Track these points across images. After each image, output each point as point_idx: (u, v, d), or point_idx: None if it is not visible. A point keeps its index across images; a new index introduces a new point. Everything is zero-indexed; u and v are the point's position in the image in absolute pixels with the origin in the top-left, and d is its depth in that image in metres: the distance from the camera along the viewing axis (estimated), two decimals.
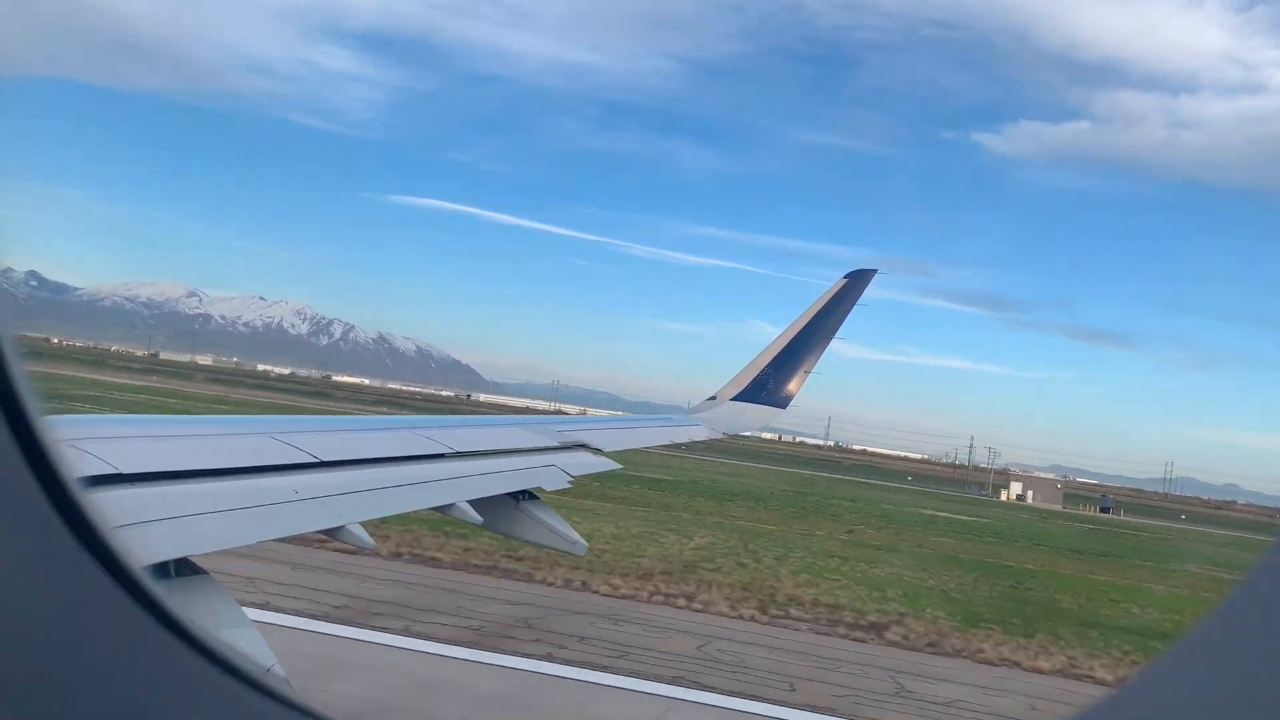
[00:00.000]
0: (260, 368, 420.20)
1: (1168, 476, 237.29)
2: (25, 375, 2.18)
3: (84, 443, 5.09)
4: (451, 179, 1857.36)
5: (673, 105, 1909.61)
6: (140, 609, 2.25)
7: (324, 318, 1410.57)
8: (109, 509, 4.68)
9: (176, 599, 4.61)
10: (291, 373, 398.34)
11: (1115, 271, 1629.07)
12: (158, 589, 2.30)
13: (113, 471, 4.96)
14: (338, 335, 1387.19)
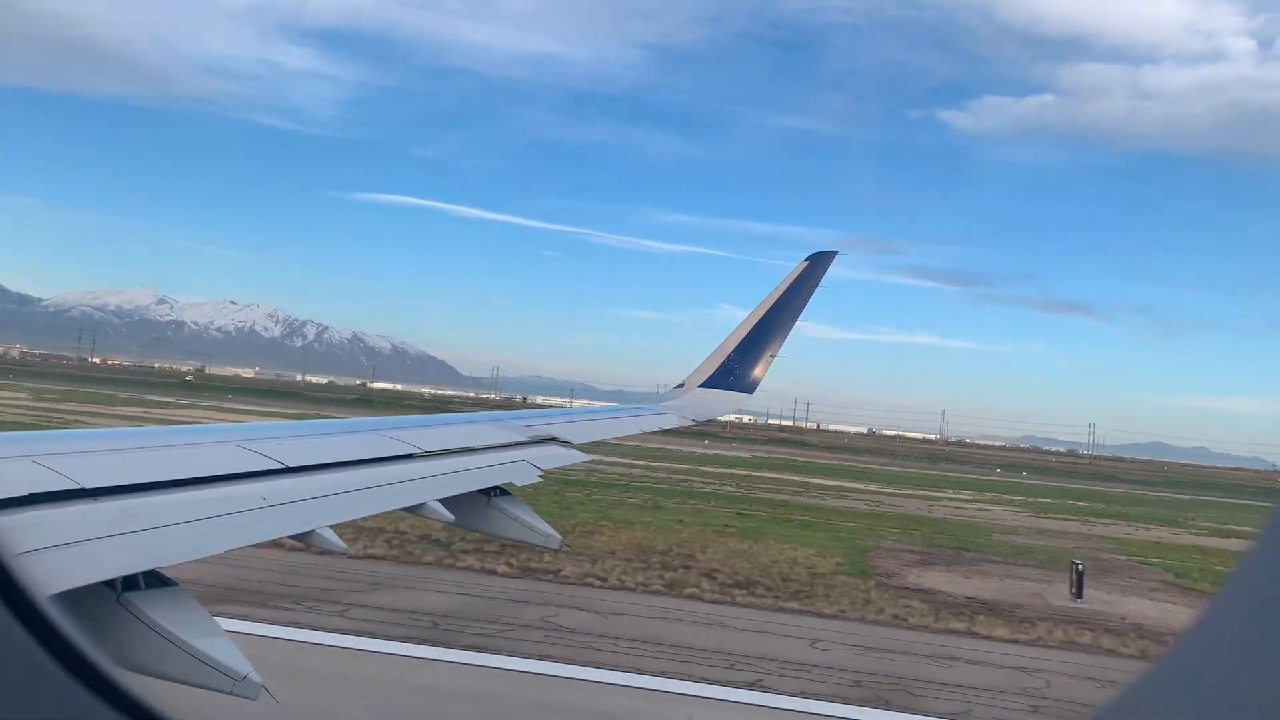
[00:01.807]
0: (300, 378, 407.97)
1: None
2: None
3: (48, 458, 5.06)
4: (417, 174, 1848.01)
5: (639, 93, 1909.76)
6: (35, 641, 2.17)
7: (296, 320, 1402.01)
8: (74, 524, 4.66)
9: (149, 611, 4.63)
10: (329, 381, 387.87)
11: (1082, 243, 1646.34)
12: (60, 620, 2.24)
13: (76, 486, 4.93)
14: (311, 336, 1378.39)
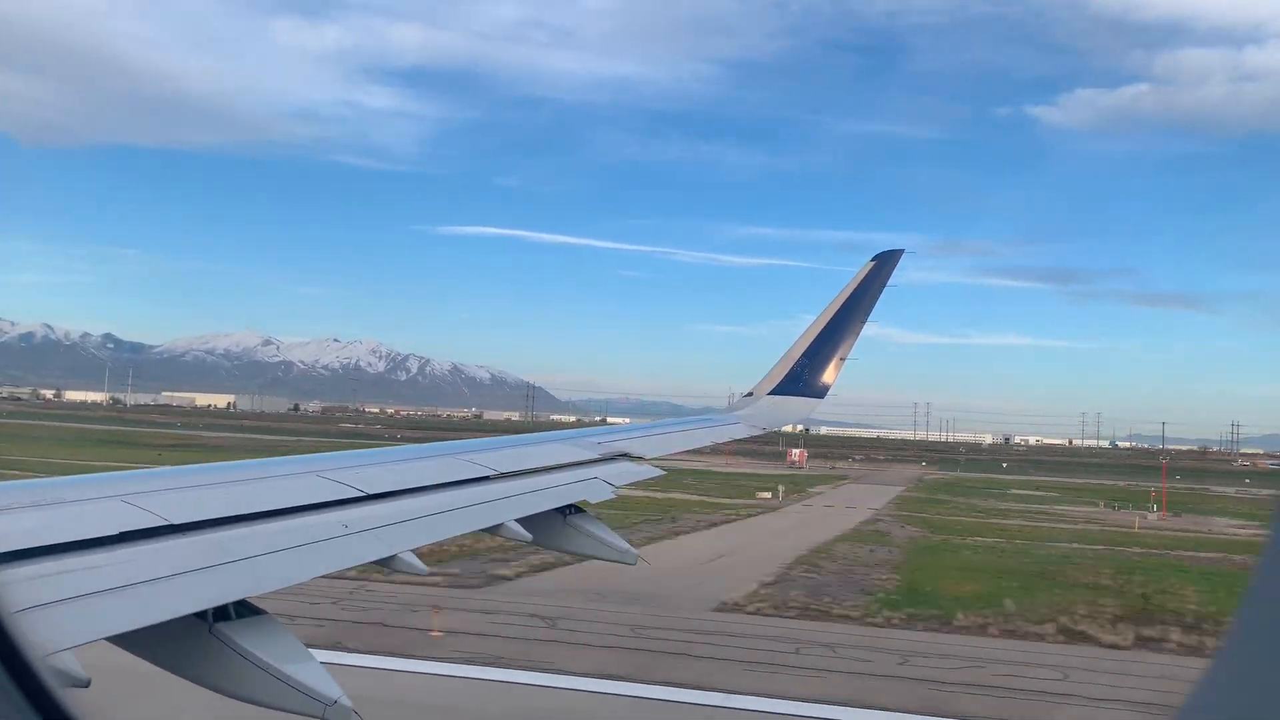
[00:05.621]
0: (503, 415, 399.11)
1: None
2: None
3: (136, 496, 5.33)
4: (498, 204, 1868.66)
5: (716, 108, 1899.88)
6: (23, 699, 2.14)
7: (399, 354, 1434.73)
8: (165, 559, 4.89)
9: (240, 640, 4.82)
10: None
11: (1182, 234, 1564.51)
12: (53, 683, 2.22)
13: (165, 523, 5.17)
14: (414, 370, 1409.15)
